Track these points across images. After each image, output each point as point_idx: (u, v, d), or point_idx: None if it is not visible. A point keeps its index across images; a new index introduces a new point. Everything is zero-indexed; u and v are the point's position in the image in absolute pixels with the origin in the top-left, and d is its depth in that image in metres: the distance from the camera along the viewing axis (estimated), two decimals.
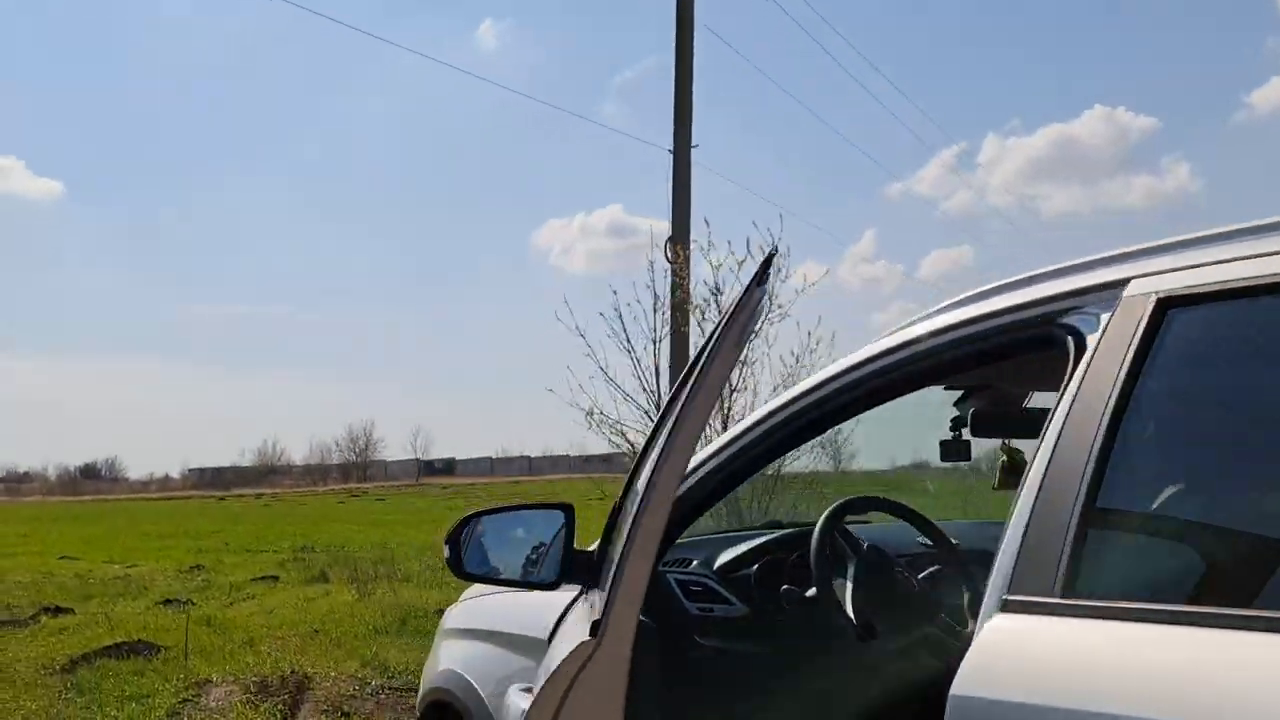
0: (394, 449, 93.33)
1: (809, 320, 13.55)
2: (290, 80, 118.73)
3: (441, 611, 8.07)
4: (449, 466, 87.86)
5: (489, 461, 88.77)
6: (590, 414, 13.91)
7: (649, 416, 13.87)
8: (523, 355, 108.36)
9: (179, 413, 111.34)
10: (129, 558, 15.74)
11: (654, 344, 13.96)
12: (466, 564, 2.07)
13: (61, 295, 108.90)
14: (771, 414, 1.77)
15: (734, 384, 13.46)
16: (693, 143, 15.80)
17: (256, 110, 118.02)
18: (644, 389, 13.89)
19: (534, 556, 2.24)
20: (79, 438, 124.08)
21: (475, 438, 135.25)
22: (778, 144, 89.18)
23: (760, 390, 13.66)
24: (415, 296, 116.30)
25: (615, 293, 14.11)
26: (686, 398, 1.32)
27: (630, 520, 1.32)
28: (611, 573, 1.30)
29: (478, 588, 2.78)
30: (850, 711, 1.91)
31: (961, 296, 1.55)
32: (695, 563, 2.17)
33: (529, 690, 1.53)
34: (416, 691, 5.73)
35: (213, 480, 79.82)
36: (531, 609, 2.21)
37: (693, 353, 14.70)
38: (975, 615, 2.06)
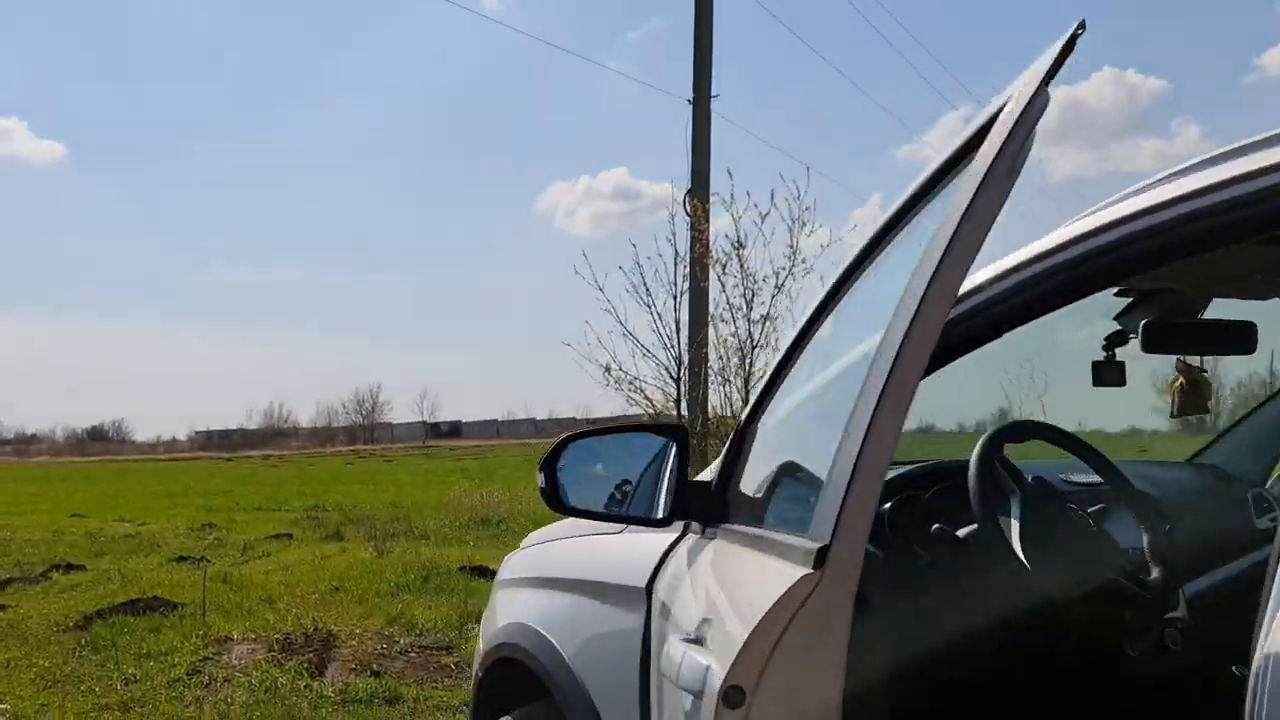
0: (401, 411, 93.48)
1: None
2: (292, 44, 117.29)
3: (466, 569, 7.87)
4: (455, 429, 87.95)
5: (495, 424, 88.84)
6: (608, 369, 13.67)
7: (668, 373, 13.62)
8: (529, 318, 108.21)
9: (185, 375, 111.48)
10: (139, 516, 15.54)
11: (674, 299, 13.67)
12: (566, 495, 1.76)
13: (66, 257, 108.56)
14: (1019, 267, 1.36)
15: (756, 340, 13.20)
16: (713, 92, 15.40)
17: (258, 73, 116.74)
18: (664, 345, 13.61)
19: (618, 496, 1.94)
20: (85, 400, 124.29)
21: (481, 400, 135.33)
22: (786, 104, 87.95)
23: (783, 348, 13.41)
24: (420, 259, 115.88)
25: (635, 245, 13.81)
26: (953, 239, 0.96)
27: (871, 405, 0.97)
28: (847, 477, 0.97)
29: (543, 532, 2.48)
30: (1026, 668, 1.61)
31: (1234, 145, 1.21)
32: (780, 485, 1.85)
33: (697, 642, 1.21)
34: (448, 650, 5.50)
35: (220, 442, 79.91)
36: (619, 553, 1.90)
37: (713, 309, 14.16)
38: (1158, 561, 1.76)
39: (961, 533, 1.69)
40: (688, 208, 14.64)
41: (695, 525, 1.63)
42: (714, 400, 13.89)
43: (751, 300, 13.40)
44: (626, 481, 1.91)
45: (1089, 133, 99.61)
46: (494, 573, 8.42)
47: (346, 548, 10.17)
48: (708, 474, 1.71)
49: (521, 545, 2.54)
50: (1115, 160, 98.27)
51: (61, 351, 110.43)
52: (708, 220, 14.13)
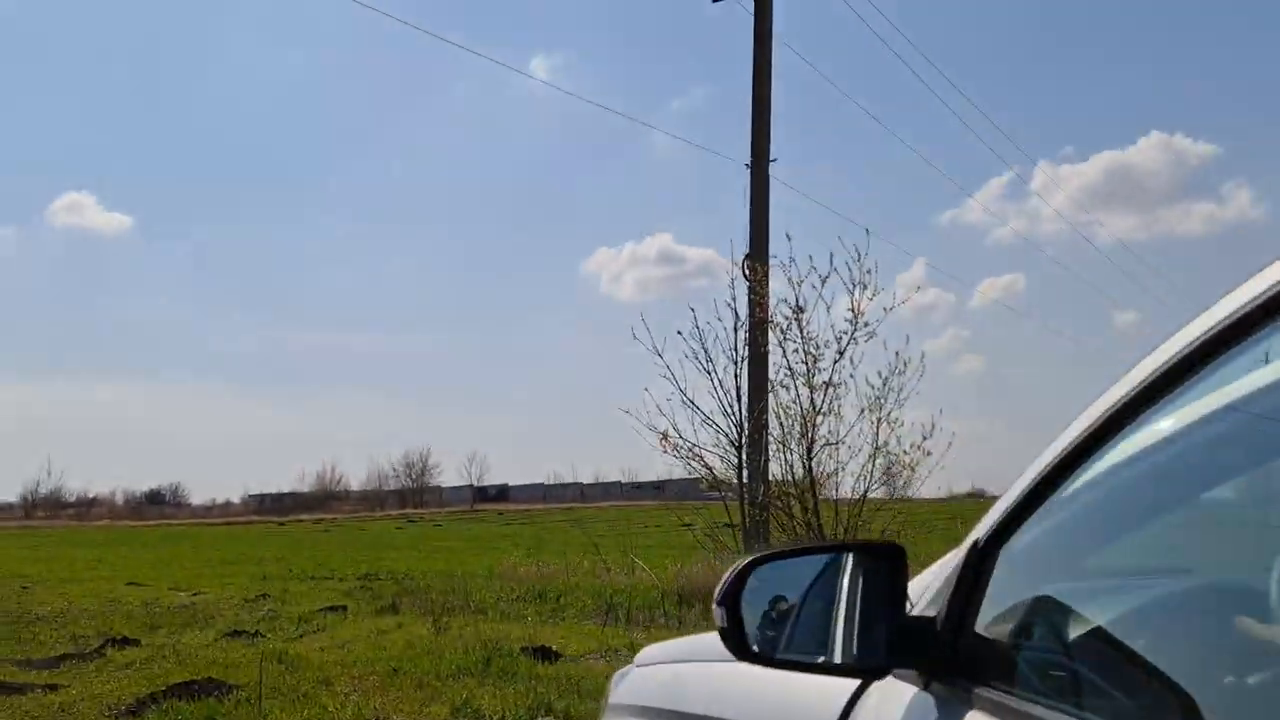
0: (449, 475, 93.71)
1: (896, 340, 12.84)
2: (345, 114, 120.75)
3: (529, 651, 7.51)
4: (502, 493, 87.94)
5: (542, 488, 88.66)
6: (665, 436, 13.32)
7: (728, 439, 13.21)
8: (575, 381, 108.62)
9: (241, 437, 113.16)
10: (194, 584, 15.43)
11: (735, 365, 13.33)
12: (756, 640, 1.40)
13: (129, 323, 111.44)
14: None
15: (819, 407, 12.79)
16: (771, 156, 15.26)
17: (315, 138, 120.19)
18: (724, 411, 13.24)
19: (773, 615, 1.60)
20: (145, 462, 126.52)
21: (528, 463, 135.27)
22: (827, 165, 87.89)
23: (845, 414, 12.93)
24: (468, 321, 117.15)
25: (694, 310, 13.58)
26: None
27: None
28: None
29: (664, 649, 2.16)
30: None
31: None
32: (1038, 632, 1.30)
33: None
34: None
35: (272, 506, 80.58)
36: (781, 691, 1.57)
37: (773, 374, 13.69)
38: None
39: None
40: (746, 271, 14.40)
41: (906, 673, 1.29)
42: (773, 468, 13.47)
43: (813, 366, 13.09)
44: (781, 598, 1.57)
45: (1137, 197, 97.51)
46: (558, 654, 8.04)
47: (403, 622, 9.87)
48: (918, 605, 1.35)
49: (636, 662, 2.22)
50: (1165, 224, 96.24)
51: (124, 415, 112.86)
52: (767, 284, 13.86)
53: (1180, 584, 1.26)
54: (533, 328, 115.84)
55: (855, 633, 1.30)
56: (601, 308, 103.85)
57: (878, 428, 12.33)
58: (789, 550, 1.49)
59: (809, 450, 12.63)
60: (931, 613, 1.29)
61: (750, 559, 1.41)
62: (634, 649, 7.32)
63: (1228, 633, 1.13)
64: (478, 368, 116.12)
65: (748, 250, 14.65)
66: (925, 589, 1.37)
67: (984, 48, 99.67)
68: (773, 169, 15.30)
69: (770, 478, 13.13)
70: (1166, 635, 1.18)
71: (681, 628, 8.57)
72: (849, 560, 1.43)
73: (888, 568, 1.30)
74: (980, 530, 1.23)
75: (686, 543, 15.17)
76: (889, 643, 1.26)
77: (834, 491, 12.91)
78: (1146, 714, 1.04)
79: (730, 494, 13.25)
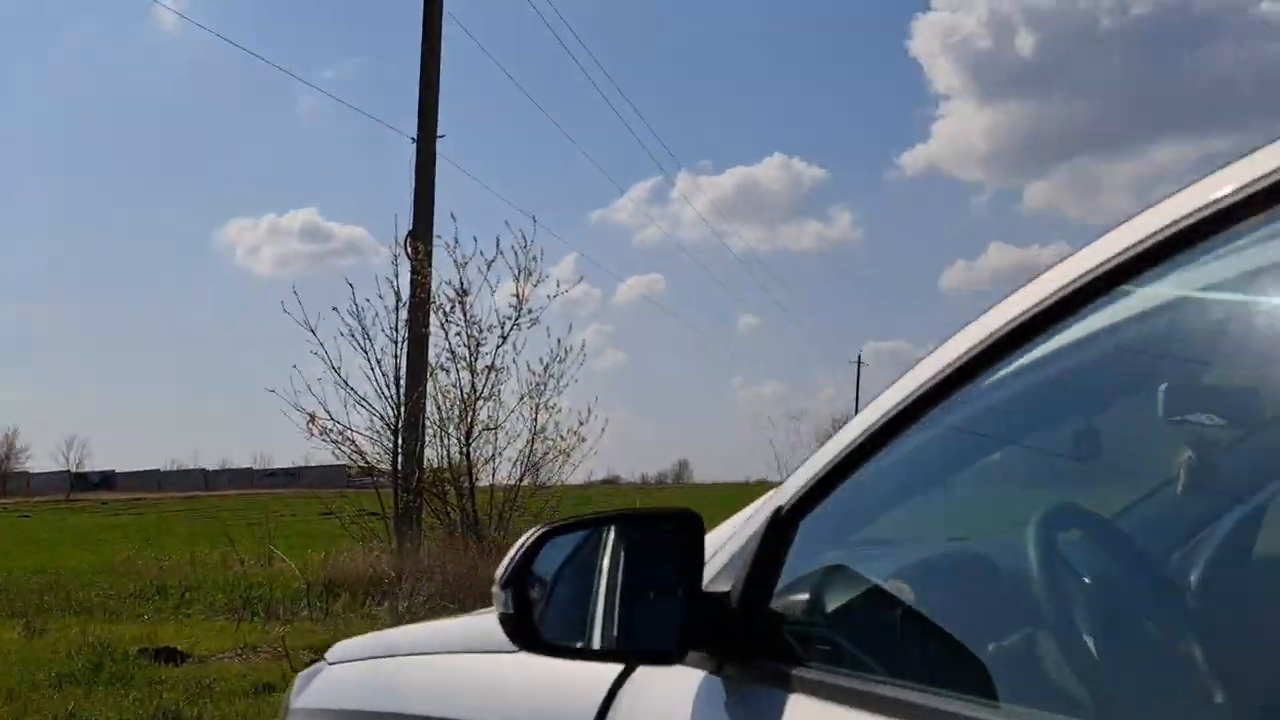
0: (41, 460, 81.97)
1: (557, 329, 13.07)
2: None
3: (149, 652, 6.64)
4: (107, 480, 78.75)
5: (156, 475, 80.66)
6: (313, 418, 12.53)
7: (384, 422, 12.70)
8: (201, 360, 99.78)
9: None
10: None
11: (395, 345, 12.85)
12: (547, 628, 1.19)
13: None
14: None
15: (480, 391, 12.71)
16: (439, 132, 14.88)
17: None
18: (380, 393, 12.71)
19: (537, 594, 1.38)
20: None
21: (140, 449, 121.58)
22: (495, 154, 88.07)
23: (505, 400, 12.96)
24: (77, 290, 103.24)
25: (352, 286, 12.92)
26: None
27: None
28: None
29: (364, 642, 1.90)
30: None
31: None
32: (833, 603, 1.23)
33: None
34: None
35: None
36: (525, 682, 1.40)
37: (434, 356, 13.41)
38: None
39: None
40: (409, 249, 13.92)
41: (693, 656, 1.17)
42: (429, 453, 13.15)
43: (475, 349, 12.96)
44: (537, 579, 1.35)
45: (761, 211, 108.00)
46: (185, 655, 7.21)
47: None
48: (709, 580, 1.23)
49: (328, 658, 1.92)
50: (784, 239, 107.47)
51: None
52: (430, 264, 13.49)
53: (959, 549, 1.30)
54: (154, 300, 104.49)
55: (620, 613, 1.17)
56: (235, 282, 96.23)
57: (536, 413, 12.50)
58: (581, 520, 1.30)
59: (468, 435, 12.50)
60: (722, 587, 1.18)
61: (543, 529, 1.21)
62: (286, 646, 6.71)
63: (999, 593, 1.19)
64: (83, 341, 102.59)
65: (411, 228, 14.17)
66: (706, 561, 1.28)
67: (636, 54, 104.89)
68: (440, 145, 14.93)
69: (426, 463, 12.81)
70: (947, 596, 1.20)
71: (329, 619, 8.06)
72: (611, 532, 1.30)
73: (679, 538, 1.17)
74: (781, 499, 1.16)
75: (329, 532, 14.36)
76: (684, 623, 1.14)
77: (490, 477, 12.90)
78: (934, 673, 1.05)
79: (383, 480, 12.75)
